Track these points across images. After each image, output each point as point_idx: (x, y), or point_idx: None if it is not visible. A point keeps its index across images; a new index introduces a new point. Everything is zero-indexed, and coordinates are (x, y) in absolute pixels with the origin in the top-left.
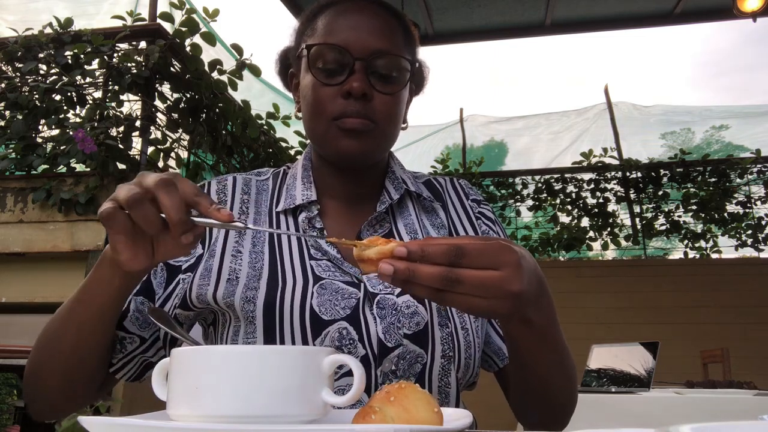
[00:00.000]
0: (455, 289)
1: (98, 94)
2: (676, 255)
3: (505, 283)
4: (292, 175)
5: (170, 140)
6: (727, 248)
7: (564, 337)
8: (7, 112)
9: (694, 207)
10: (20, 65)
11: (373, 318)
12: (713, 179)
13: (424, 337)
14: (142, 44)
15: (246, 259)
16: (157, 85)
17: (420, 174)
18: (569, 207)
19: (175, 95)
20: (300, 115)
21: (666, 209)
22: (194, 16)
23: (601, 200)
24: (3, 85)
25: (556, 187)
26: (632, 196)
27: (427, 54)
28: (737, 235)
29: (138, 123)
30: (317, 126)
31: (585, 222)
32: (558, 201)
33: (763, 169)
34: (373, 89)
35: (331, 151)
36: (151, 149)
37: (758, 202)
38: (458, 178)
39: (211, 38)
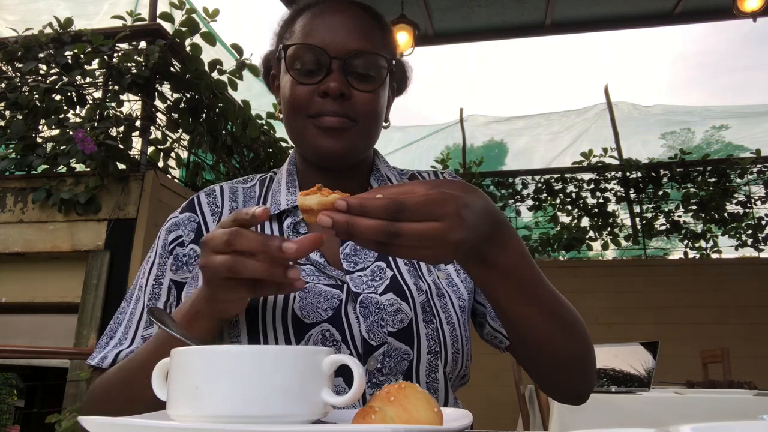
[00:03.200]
0: (396, 241)
1: (98, 94)
2: (676, 255)
3: (445, 233)
4: (277, 180)
5: (170, 140)
6: (727, 248)
7: (551, 286)
8: (7, 112)
9: (694, 207)
10: (20, 65)
11: (356, 317)
12: (713, 179)
13: (408, 334)
14: (142, 44)
15: None
16: (157, 85)
17: (405, 170)
18: (569, 207)
19: (175, 95)
20: (282, 116)
21: (666, 209)
22: (194, 16)
23: (601, 200)
24: (3, 85)
25: (556, 187)
26: (632, 196)
27: (427, 54)
28: (737, 235)
29: (138, 123)
30: (295, 124)
31: (585, 222)
32: (558, 201)
33: (763, 169)
34: (351, 88)
35: (310, 150)
36: (151, 149)
37: (758, 202)
38: (443, 171)
39: (211, 38)
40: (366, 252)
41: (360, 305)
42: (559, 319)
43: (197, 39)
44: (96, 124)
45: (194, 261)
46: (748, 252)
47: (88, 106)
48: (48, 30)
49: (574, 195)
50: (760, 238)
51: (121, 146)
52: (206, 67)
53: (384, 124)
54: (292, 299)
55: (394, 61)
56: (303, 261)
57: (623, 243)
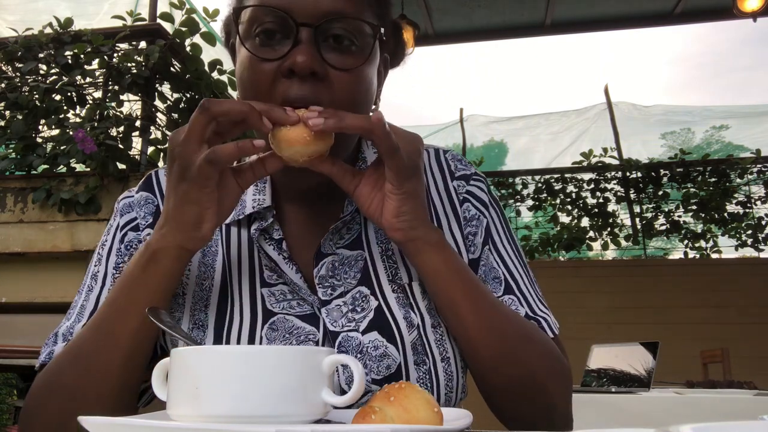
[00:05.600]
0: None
1: (98, 94)
2: (676, 255)
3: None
4: None
5: None
6: (727, 248)
7: (495, 299)
8: (7, 112)
9: (694, 207)
10: (20, 65)
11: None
12: (713, 179)
13: (396, 381)
14: (142, 44)
15: (194, 273)
16: (157, 85)
17: None
18: (569, 207)
19: (175, 95)
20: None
21: (666, 209)
22: (194, 16)
23: (601, 200)
24: (3, 85)
25: (556, 187)
26: (632, 196)
27: (427, 54)
28: (737, 235)
29: (138, 123)
30: None
31: (585, 222)
32: (558, 201)
33: (763, 169)
34: (326, 65)
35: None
36: (151, 149)
37: (758, 202)
38: (446, 151)
39: (211, 38)
40: (346, 271)
41: (339, 348)
42: (499, 326)
43: (197, 39)
44: (96, 124)
45: None
46: (748, 252)
47: (88, 106)
48: (48, 30)
49: (574, 195)
50: (760, 238)
51: (121, 146)
52: (206, 67)
53: (372, 108)
54: (258, 340)
55: (383, 30)
56: (275, 280)
57: (623, 243)
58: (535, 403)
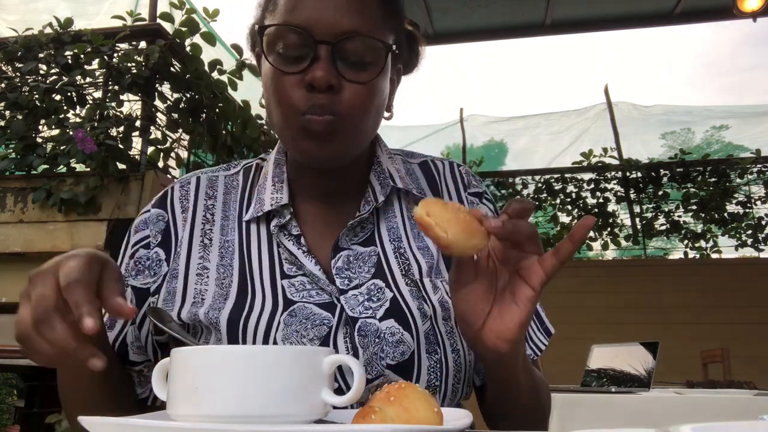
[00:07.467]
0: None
1: (98, 94)
2: (676, 255)
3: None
4: (264, 173)
5: (170, 140)
6: (727, 248)
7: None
8: (7, 112)
9: (694, 207)
10: (20, 65)
11: (346, 347)
12: (713, 179)
13: (408, 368)
14: (142, 44)
15: (213, 276)
16: (157, 85)
17: (417, 154)
18: (569, 207)
19: (175, 95)
20: (263, 102)
21: (666, 209)
22: (194, 16)
23: (601, 200)
24: (3, 85)
25: (556, 187)
26: (632, 196)
27: (427, 54)
28: (737, 235)
29: (138, 123)
30: (279, 121)
31: None
32: (558, 201)
33: (763, 169)
34: (341, 78)
35: (294, 151)
36: (151, 149)
37: (758, 202)
38: (459, 164)
39: (211, 38)
40: (360, 265)
41: (358, 333)
42: (538, 395)
43: (197, 39)
44: (96, 124)
45: (156, 265)
46: (748, 252)
47: (88, 106)
48: (48, 30)
49: (574, 195)
50: (760, 238)
51: (121, 146)
52: (206, 67)
53: (386, 115)
54: (275, 327)
55: (394, 47)
56: (294, 272)
57: (623, 243)
58: (529, 426)
